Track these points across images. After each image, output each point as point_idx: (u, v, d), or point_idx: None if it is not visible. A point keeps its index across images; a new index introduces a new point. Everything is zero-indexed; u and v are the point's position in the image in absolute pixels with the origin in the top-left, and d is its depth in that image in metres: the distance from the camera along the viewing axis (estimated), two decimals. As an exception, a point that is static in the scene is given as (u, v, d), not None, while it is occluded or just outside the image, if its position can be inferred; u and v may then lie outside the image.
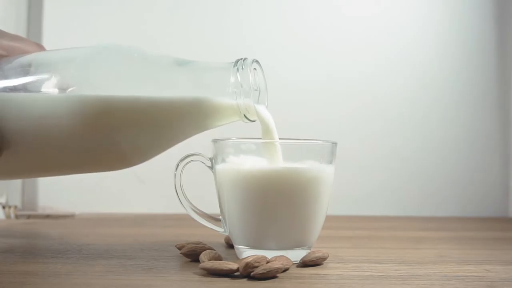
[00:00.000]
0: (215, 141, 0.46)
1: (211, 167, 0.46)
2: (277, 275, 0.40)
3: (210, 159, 0.46)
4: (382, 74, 0.83)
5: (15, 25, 0.75)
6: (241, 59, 0.43)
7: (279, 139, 0.46)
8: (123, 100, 0.40)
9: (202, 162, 0.47)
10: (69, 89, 0.40)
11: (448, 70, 0.84)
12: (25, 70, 0.42)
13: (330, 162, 0.45)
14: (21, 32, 0.76)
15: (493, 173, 0.83)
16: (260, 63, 0.45)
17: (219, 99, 0.43)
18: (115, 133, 0.41)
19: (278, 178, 0.43)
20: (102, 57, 0.42)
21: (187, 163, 0.47)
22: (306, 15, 0.83)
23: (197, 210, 0.47)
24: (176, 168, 0.47)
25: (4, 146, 0.40)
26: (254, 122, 0.45)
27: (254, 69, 0.44)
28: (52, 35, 0.77)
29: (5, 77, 0.41)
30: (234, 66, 0.43)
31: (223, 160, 0.45)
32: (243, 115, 0.43)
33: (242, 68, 0.43)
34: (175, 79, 0.43)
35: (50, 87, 0.40)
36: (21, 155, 0.42)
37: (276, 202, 0.43)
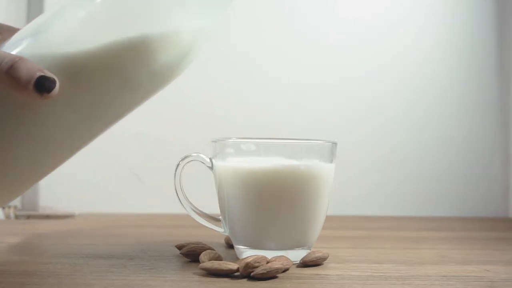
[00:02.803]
0: (215, 141, 0.46)
1: (211, 167, 0.46)
2: (277, 275, 0.40)
3: (210, 159, 0.46)
4: (381, 74, 0.83)
5: (15, 25, 0.75)
6: None
7: (279, 139, 0.46)
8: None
9: (202, 162, 0.47)
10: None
11: (448, 70, 0.84)
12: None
13: (330, 162, 0.45)
14: (21, 32, 0.76)
15: (493, 173, 0.83)
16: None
17: None
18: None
19: (278, 177, 0.43)
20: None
21: (187, 162, 0.47)
22: (305, 17, 0.83)
23: (197, 210, 0.47)
24: (176, 168, 0.47)
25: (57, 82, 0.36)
26: None
27: None
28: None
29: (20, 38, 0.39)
30: None
31: (223, 160, 0.45)
32: None
33: None
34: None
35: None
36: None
37: (276, 201, 0.43)
